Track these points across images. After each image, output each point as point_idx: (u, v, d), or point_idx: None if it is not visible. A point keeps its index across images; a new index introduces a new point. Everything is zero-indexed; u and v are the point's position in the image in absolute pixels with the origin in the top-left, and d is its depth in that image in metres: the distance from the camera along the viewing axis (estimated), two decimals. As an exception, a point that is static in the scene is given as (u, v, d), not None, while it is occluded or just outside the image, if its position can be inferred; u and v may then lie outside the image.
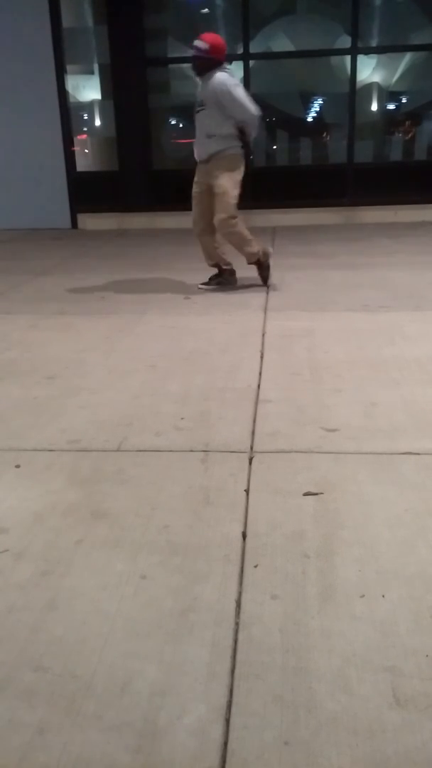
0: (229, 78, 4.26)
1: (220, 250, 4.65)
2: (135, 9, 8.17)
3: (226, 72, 4.27)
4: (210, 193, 4.44)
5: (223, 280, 4.72)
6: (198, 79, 4.38)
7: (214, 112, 4.26)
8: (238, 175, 4.40)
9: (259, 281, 4.70)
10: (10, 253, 6.82)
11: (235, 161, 4.36)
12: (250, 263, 4.67)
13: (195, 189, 4.54)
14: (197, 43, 4.25)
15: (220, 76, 4.21)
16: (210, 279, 4.73)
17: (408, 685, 1.27)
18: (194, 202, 4.56)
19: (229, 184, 4.35)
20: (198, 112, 4.36)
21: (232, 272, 4.75)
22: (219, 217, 4.39)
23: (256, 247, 4.57)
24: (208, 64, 4.24)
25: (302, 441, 2.30)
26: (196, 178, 4.54)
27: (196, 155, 4.46)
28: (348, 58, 8.35)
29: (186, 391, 2.79)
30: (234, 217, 4.40)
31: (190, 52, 4.37)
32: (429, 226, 7.55)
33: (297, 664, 1.33)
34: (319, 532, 1.76)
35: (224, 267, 4.72)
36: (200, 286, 4.69)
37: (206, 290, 4.63)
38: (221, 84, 4.19)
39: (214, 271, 4.76)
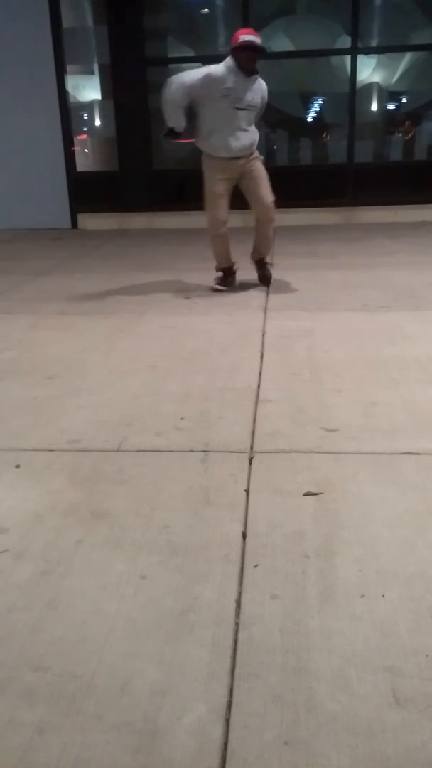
0: None
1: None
2: (135, 9, 8.17)
3: None
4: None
5: (231, 280, 4.71)
6: (237, 77, 4.09)
7: (255, 113, 4.35)
8: None
9: (258, 281, 4.69)
10: (10, 253, 6.82)
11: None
12: (259, 258, 4.67)
13: (224, 187, 4.39)
14: (256, 39, 4.04)
15: (262, 81, 4.30)
16: (221, 279, 4.68)
17: (408, 685, 1.27)
18: (222, 201, 4.42)
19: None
20: (241, 109, 4.21)
21: (234, 272, 4.75)
22: (270, 198, 4.44)
23: None
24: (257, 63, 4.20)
25: (302, 441, 2.30)
26: (225, 175, 4.36)
27: (235, 151, 4.28)
28: (348, 58, 8.34)
29: (186, 391, 2.79)
30: None
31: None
32: (429, 226, 7.55)
33: (297, 664, 1.33)
34: (319, 532, 1.76)
35: (233, 268, 4.71)
36: (217, 286, 4.63)
37: (222, 290, 4.58)
38: (266, 90, 4.34)
39: (213, 270, 4.74)
